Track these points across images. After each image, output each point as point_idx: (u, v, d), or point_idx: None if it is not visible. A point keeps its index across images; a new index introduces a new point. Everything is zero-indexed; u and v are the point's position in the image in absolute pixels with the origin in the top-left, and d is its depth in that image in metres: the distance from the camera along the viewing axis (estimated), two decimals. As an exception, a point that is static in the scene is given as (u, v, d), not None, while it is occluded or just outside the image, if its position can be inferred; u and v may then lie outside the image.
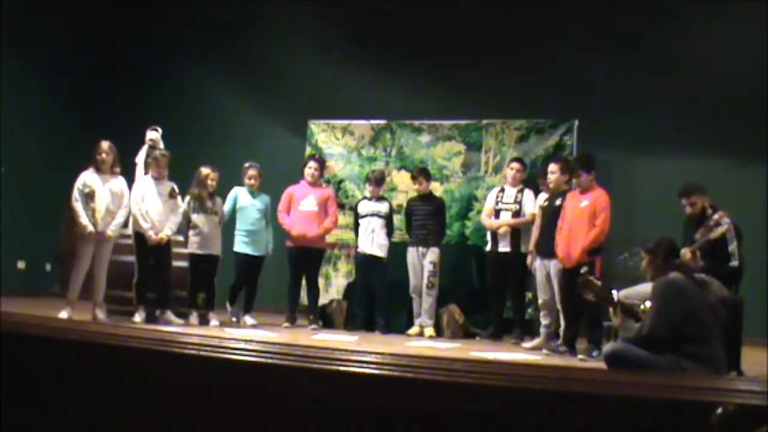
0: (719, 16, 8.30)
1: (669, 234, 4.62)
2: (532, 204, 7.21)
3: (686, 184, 5.99)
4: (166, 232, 7.08)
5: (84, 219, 6.81)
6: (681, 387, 1.64)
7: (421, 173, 7.78)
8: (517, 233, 7.23)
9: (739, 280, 5.67)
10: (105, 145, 6.99)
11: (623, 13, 8.53)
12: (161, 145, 7.71)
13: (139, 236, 7.05)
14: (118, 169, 7.07)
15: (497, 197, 7.46)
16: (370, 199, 7.79)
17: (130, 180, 7.72)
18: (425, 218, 7.60)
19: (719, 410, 1.41)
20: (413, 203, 7.79)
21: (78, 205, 6.84)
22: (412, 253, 7.56)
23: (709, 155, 7.97)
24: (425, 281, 7.46)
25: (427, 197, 7.73)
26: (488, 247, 7.39)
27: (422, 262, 7.49)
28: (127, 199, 7.04)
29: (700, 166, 7.62)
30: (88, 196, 6.86)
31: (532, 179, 7.61)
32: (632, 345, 4.02)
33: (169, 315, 7.08)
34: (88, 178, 6.92)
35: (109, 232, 6.89)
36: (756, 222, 7.28)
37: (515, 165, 7.50)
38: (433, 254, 7.49)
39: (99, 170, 6.95)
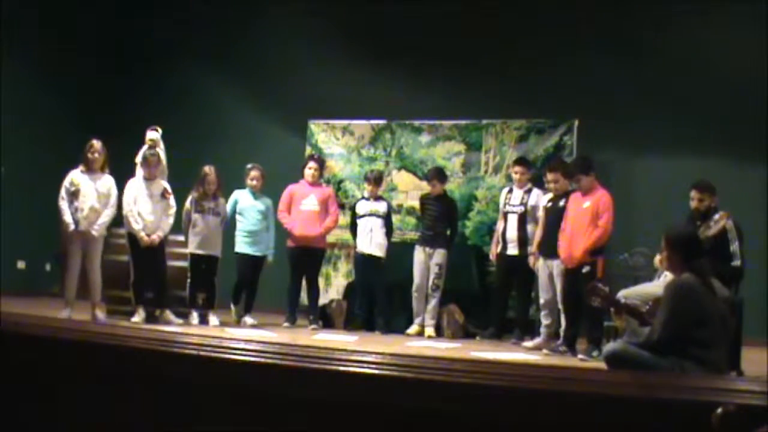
0: (719, 16, 8.29)
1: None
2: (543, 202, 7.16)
3: (703, 179, 5.99)
4: (158, 233, 7.08)
5: (67, 217, 6.83)
6: (681, 387, 1.64)
7: (436, 175, 7.69)
8: (525, 236, 7.21)
9: (739, 280, 5.67)
10: (98, 144, 7.01)
11: (623, 13, 8.52)
12: (161, 145, 7.71)
13: (132, 237, 7.06)
14: (107, 169, 7.08)
15: (506, 199, 7.44)
16: (368, 199, 7.78)
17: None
18: (434, 219, 7.59)
19: (719, 410, 1.41)
20: (426, 201, 7.77)
21: (63, 204, 6.87)
22: (418, 252, 7.54)
23: (708, 155, 7.96)
24: (430, 283, 7.46)
25: (439, 198, 7.70)
26: (498, 249, 7.37)
27: (428, 263, 7.48)
28: (114, 199, 7.04)
29: (700, 166, 7.60)
30: (73, 195, 6.88)
31: (538, 179, 7.55)
32: (637, 347, 3.98)
33: (168, 314, 7.08)
34: (75, 176, 6.94)
35: (93, 231, 6.90)
36: (756, 222, 7.27)
37: (517, 168, 7.45)
38: (439, 256, 7.47)
39: (88, 169, 6.96)
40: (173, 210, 7.25)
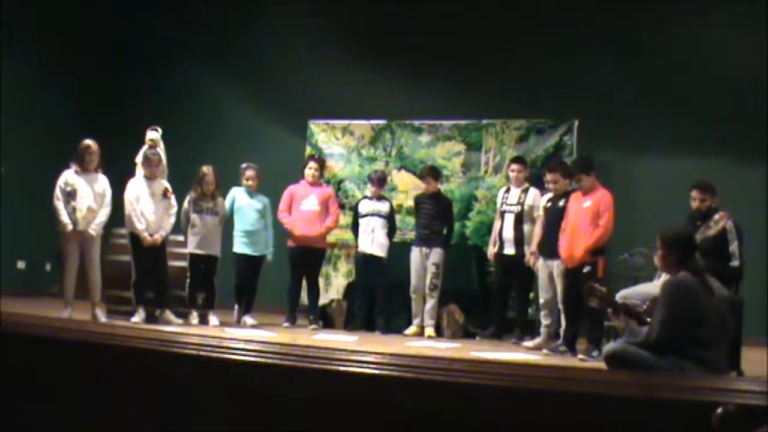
0: (719, 16, 8.29)
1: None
2: (539, 203, 7.16)
3: (704, 179, 5.99)
4: (161, 233, 7.09)
5: (64, 217, 6.83)
6: (681, 387, 1.64)
7: (430, 172, 7.74)
8: (521, 236, 7.21)
9: (739, 280, 5.67)
10: (94, 145, 7.01)
11: (623, 13, 8.52)
12: (161, 145, 7.72)
13: (134, 236, 7.06)
14: (100, 169, 7.08)
15: (503, 198, 7.45)
16: (371, 198, 7.78)
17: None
18: (430, 218, 7.59)
19: (719, 410, 1.41)
20: (420, 201, 7.78)
21: (59, 204, 6.86)
22: (415, 253, 7.54)
23: (708, 155, 7.96)
24: (428, 282, 7.45)
25: (434, 196, 7.71)
26: (495, 249, 7.37)
27: (425, 263, 7.48)
28: (109, 198, 7.06)
29: (700, 166, 7.61)
30: (70, 195, 6.88)
31: (538, 179, 7.55)
32: (636, 347, 3.98)
33: (168, 314, 7.09)
34: (69, 176, 6.94)
35: (91, 231, 6.91)
36: (756, 222, 7.27)
37: (514, 166, 7.48)
38: (436, 255, 7.47)
39: (82, 169, 6.96)
40: (175, 209, 7.26)
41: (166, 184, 7.30)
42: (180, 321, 7.09)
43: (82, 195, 6.92)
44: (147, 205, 7.10)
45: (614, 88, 8.40)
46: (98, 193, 7.00)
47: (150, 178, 7.22)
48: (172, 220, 7.23)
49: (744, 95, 7.86)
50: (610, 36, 8.57)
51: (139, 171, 7.57)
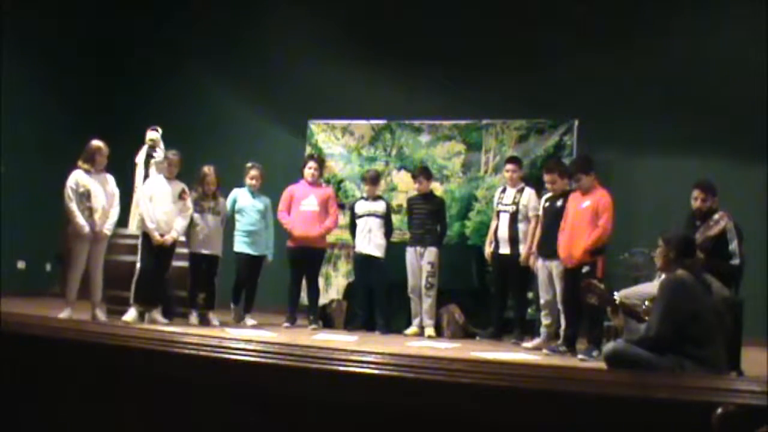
0: (719, 16, 8.29)
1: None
2: (535, 203, 7.19)
3: (705, 179, 5.99)
4: (173, 234, 7.06)
5: (80, 219, 6.76)
6: (681, 387, 1.64)
7: (422, 172, 7.77)
8: (516, 235, 7.22)
9: (739, 279, 5.67)
10: (105, 146, 6.98)
11: (623, 12, 8.52)
12: (161, 145, 7.71)
13: (147, 236, 7.02)
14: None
15: (499, 198, 7.47)
16: (366, 199, 7.79)
17: (131, 180, 7.71)
18: (424, 218, 7.60)
19: (719, 410, 1.41)
20: (413, 202, 7.80)
21: (72, 205, 6.78)
22: (410, 253, 7.56)
23: (709, 155, 7.96)
24: (423, 282, 7.45)
25: (427, 196, 7.73)
26: (491, 249, 7.38)
27: (420, 263, 7.49)
28: (118, 198, 7.04)
29: (700, 166, 7.61)
30: (83, 196, 6.83)
31: (537, 179, 7.55)
32: (635, 346, 4.00)
33: (155, 314, 7.02)
34: (80, 177, 6.86)
35: (105, 231, 6.89)
36: (756, 222, 7.27)
37: (509, 166, 7.48)
38: (430, 254, 7.47)
39: (93, 170, 6.92)
40: (190, 212, 7.18)
41: (183, 185, 7.24)
42: (165, 321, 7.03)
43: (96, 196, 6.87)
44: (162, 205, 7.06)
45: (614, 88, 8.40)
46: (109, 194, 6.98)
47: (169, 178, 7.19)
48: (186, 222, 7.17)
49: (744, 95, 7.85)
50: (611, 36, 8.56)
51: (140, 171, 7.57)
